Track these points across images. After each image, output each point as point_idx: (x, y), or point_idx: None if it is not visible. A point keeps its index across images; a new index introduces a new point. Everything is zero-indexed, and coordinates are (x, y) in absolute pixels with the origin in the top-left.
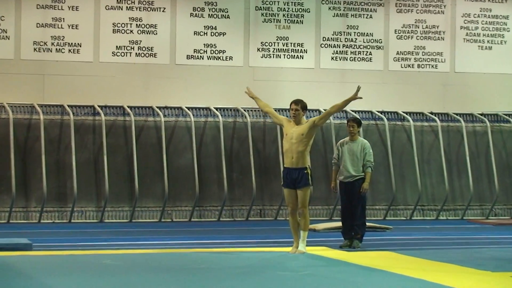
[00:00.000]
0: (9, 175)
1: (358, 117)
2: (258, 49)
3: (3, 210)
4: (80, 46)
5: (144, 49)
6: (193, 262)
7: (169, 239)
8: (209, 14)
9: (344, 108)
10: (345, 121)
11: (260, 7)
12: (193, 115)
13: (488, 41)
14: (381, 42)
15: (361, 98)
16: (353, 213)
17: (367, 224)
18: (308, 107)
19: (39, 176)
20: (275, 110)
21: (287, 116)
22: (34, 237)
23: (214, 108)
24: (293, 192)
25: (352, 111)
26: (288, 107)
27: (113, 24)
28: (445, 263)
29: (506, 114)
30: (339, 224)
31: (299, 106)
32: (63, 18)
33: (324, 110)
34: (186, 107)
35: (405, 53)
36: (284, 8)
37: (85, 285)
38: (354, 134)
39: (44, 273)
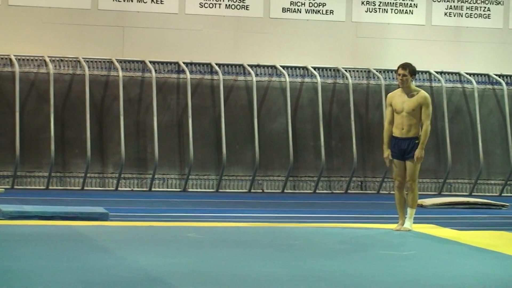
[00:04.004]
0: (84, 137)
1: None
2: (363, 3)
3: (77, 175)
4: None
5: (235, 0)
6: (286, 237)
7: (260, 211)
8: None
9: (459, 71)
10: (458, 85)
11: None
12: (288, 74)
13: None
14: None
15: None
16: None
17: (480, 200)
18: (418, 69)
19: (117, 140)
20: (378, 71)
21: (391, 79)
22: (111, 206)
23: (312, 67)
24: (402, 164)
25: (467, 73)
26: (394, 68)
27: None
28: None
29: None
30: (450, 199)
31: (407, 70)
32: None
33: (436, 72)
34: (281, 66)
35: None
36: None
37: (165, 260)
38: None
39: (121, 246)
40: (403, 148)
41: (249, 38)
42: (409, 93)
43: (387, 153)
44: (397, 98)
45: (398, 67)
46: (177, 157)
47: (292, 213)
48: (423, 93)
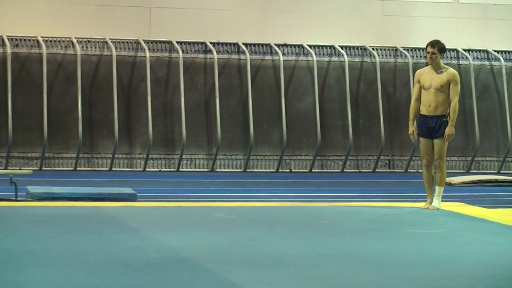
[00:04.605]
0: (112, 118)
1: None
2: None
3: (105, 156)
4: None
5: None
6: (314, 217)
7: (288, 191)
8: None
9: (487, 49)
10: (486, 63)
11: None
12: (315, 53)
13: None
14: None
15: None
16: None
17: (509, 178)
18: (446, 47)
19: (145, 120)
20: (405, 50)
21: (419, 58)
22: (139, 186)
23: (339, 46)
24: (429, 142)
25: (495, 51)
26: (422, 46)
27: None
28: None
29: None
30: (478, 177)
31: (436, 48)
32: None
33: (463, 50)
34: (308, 45)
35: None
36: None
37: (194, 240)
38: None
39: (150, 226)
40: (431, 126)
41: (276, 17)
42: (438, 70)
43: (412, 129)
44: (426, 75)
45: (427, 45)
46: (205, 137)
47: (320, 193)
48: (451, 70)
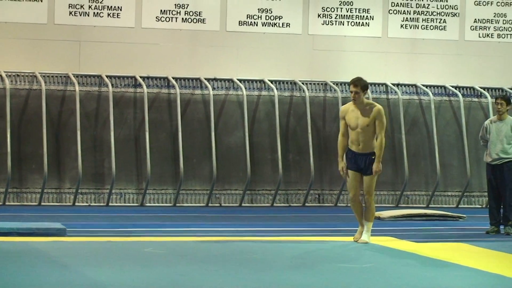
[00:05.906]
0: (41, 152)
1: (507, 94)
2: (319, 15)
3: (34, 191)
4: (121, 10)
5: (191, 14)
6: (244, 251)
7: (217, 225)
8: None
9: (415, 83)
10: (415, 97)
11: None
12: (245, 88)
13: None
14: (457, 8)
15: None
16: (502, 198)
17: (437, 212)
18: (374, 81)
19: (74, 154)
20: (335, 84)
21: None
22: (68, 221)
23: (269, 80)
24: (358, 175)
25: (423, 85)
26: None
27: None
28: None
29: None
30: (407, 211)
31: (359, 87)
32: None
33: (392, 84)
34: (238, 79)
35: (484, 21)
36: None
37: (124, 275)
38: (502, 112)
39: (79, 261)
40: (361, 165)
41: (206, 51)
42: (363, 108)
43: (341, 165)
44: (351, 113)
45: (350, 83)
46: (135, 172)
47: (250, 227)
48: (376, 106)
